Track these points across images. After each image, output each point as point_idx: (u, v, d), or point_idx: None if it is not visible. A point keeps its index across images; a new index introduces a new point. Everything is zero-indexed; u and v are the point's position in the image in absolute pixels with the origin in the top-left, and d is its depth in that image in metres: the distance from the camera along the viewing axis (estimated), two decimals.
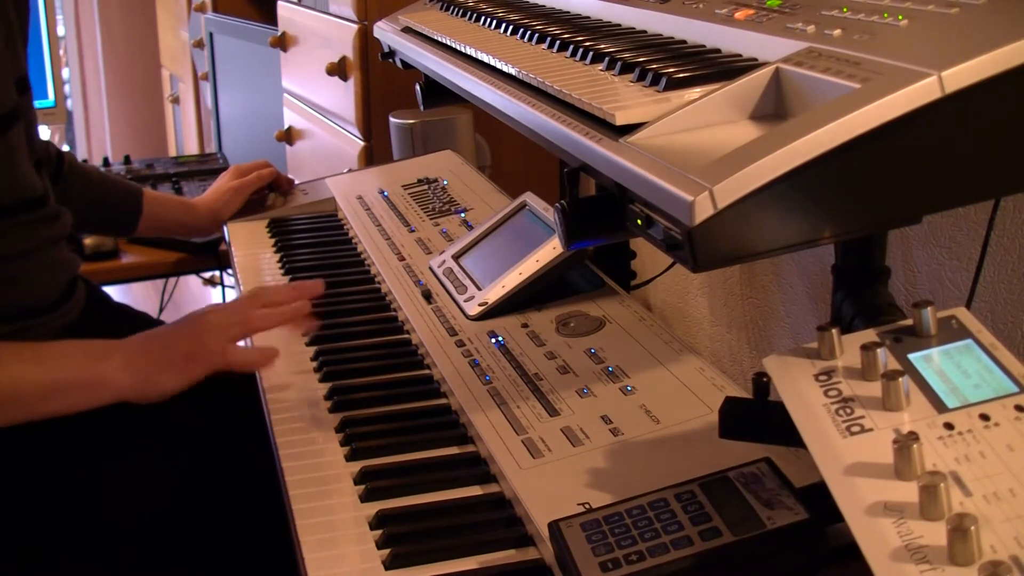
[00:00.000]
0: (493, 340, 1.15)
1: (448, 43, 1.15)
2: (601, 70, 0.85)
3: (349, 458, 1.00)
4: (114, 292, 1.69)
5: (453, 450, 1.00)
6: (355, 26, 1.83)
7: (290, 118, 2.25)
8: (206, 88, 2.81)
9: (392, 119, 1.80)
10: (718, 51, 0.84)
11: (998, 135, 0.64)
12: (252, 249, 1.57)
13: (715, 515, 0.74)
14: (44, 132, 1.32)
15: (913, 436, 0.60)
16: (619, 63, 0.83)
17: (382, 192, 1.66)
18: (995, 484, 0.57)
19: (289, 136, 2.25)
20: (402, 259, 1.41)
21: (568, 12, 1.13)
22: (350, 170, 1.84)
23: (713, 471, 0.79)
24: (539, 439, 0.95)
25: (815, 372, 0.68)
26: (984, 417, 0.61)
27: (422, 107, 1.44)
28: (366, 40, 1.82)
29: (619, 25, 1.01)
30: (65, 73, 4.38)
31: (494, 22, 1.13)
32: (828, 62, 0.68)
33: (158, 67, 3.79)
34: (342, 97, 1.92)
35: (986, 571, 0.52)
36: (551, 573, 0.81)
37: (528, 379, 1.06)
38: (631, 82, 0.80)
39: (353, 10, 1.84)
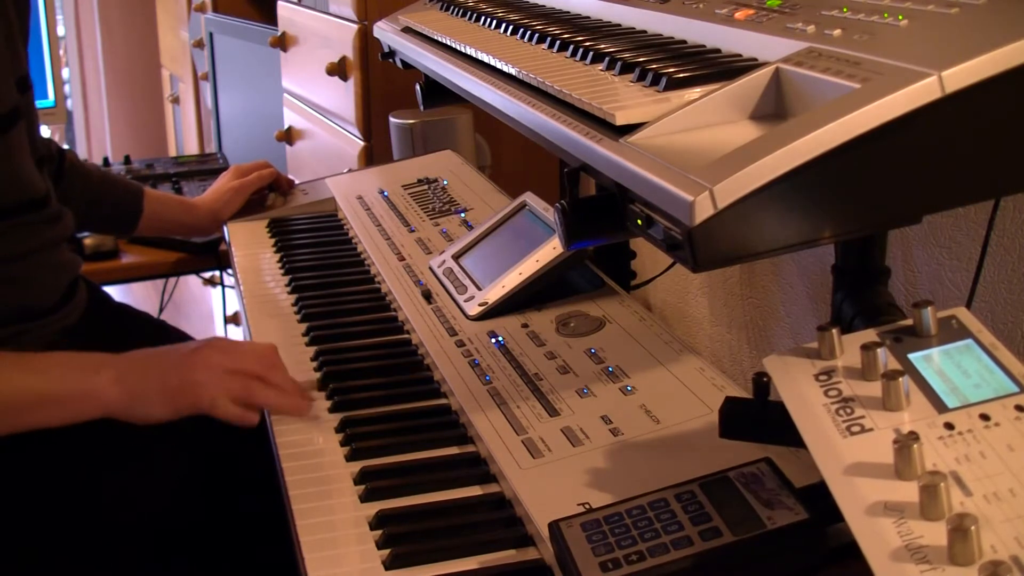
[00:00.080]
0: (493, 340, 1.15)
1: (448, 43, 1.15)
2: (601, 70, 0.85)
3: (349, 458, 1.00)
4: (114, 292, 1.69)
5: (453, 450, 1.00)
6: (355, 26, 1.83)
7: (290, 118, 2.25)
8: (206, 88, 2.81)
9: (392, 119, 1.80)
10: (718, 51, 0.84)
11: (998, 135, 0.64)
12: (252, 249, 1.57)
13: (715, 515, 0.74)
14: (44, 132, 1.32)
15: (913, 436, 0.60)
16: (619, 63, 0.83)
17: (382, 192, 1.66)
18: (995, 484, 0.57)
19: (289, 136, 2.25)
20: (402, 259, 1.41)
21: (568, 12, 1.13)
22: (350, 170, 1.84)
23: (713, 471, 0.79)
24: (539, 439, 0.95)
25: (815, 372, 0.68)
26: (984, 417, 0.61)
27: (422, 107, 1.44)
28: (366, 40, 1.82)
29: (619, 25, 1.01)
30: (65, 73, 4.38)
31: (494, 22, 1.13)
32: (828, 62, 0.68)
33: (158, 67, 3.79)
34: (342, 97, 1.92)
35: (986, 571, 0.52)
36: (551, 573, 0.81)
37: (528, 379, 1.06)
38: (631, 82, 0.80)
39: (353, 10, 1.84)
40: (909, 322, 0.69)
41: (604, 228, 0.75)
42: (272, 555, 1.03)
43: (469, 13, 1.22)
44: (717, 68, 0.77)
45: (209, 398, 1.07)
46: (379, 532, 0.88)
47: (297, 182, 1.80)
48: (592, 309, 1.19)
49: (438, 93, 1.40)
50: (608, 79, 0.82)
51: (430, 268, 1.36)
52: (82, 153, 4.50)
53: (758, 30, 0.80)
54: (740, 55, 0.81)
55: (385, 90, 1.86)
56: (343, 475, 0.97)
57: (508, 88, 0.92)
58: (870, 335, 0.69)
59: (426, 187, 1.63)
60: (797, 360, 0.69)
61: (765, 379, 0.78)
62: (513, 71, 0.93)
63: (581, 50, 0.90)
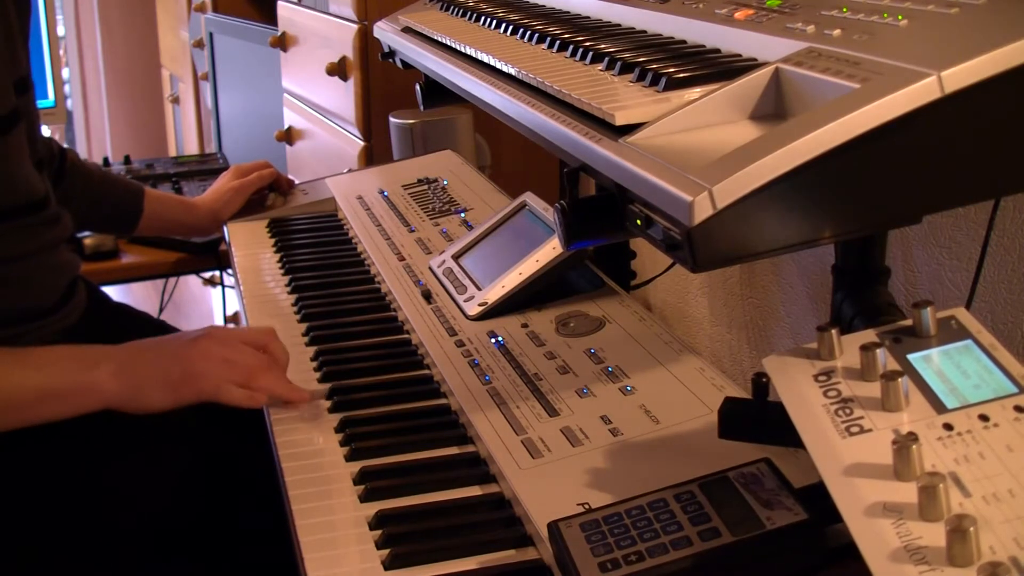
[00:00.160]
0: (493, 340, 1.15)
1: (448, 43, 1.15)
2: (601, 70, 0.85)
3: (349, 458, 1.00)
4: (114, 292, 1.69)
5: (453, 450, 1.00)
6: (355, 26, 1.83)
7: (290, 118, 2.25)
8: (206, 88, 2.81)
9: (392, 119, 1.80)
10: (718, 51, 0.84)
11: (998, 135, 0.64)
12: (252, 249, 1.57)
13: (714, 515, 0.74)
14: (44, 132, 1.32)
15: (912, 437, 0.60)
16: (619, 63, 0.83)
17: (382, 192, 1.66)
18: (994, 485, 0.57)
19: (289, 136, 2.25)
20: (402, 259, 1.41)
21: (568, 12, 1.13)
22: (350, 170, 1.84)
23: (713, 471, 0.79)
24: (539, 439, 0.95)
25: (814, 372, 0.68)
26: (983, 418, 0.61)
27: (422, 107, 1.44)
28: (366, 40, 1.82)
29: (619, 25, 1.01)
30: (65, 73, 4.39)
31: (494, 22, 1.13)
32: (828, 62, 0.68)
33: (158, 67, 3.79)
34: (342, 97, 1.92)
35: (985, 572, 0.52)
36: (550, 573, 0.81)
37: (528, 379, 1.06)
38: (631, 82, 0.80)
39: (353, 10, 1.84)
40: (909, 322, 0.69)
41: (604, 228, 0.75)
42: (272, 555, 1.03)
43: (469, 13, 1.22)
44: (717, 68, 0.77)
45: (213, 386, 1.08)
46: (379, 532, 0.88)
47: (297, 182, 1.80)
48: (592, 309, 1.19)
49: (438, 93, 1.40)
50: (608, 79, 0.82)
51: (430, 268, 1.36)
52: (82, 153, 4.48)
53: (758, 30, 0.80)
54: (740, 55, 0.81)
55: (385, 90, 1.86)
56: (343, 475, 0.97)
57: (508, 88, 0.92)
58: (869, 335, 0.69)
59: (426, 187, 1.63)
60: (796, 360, 0.69)
61: (764, 379, 0.78)
62: (513, 71, 0.93)
63: (581, 50, 0.90)
